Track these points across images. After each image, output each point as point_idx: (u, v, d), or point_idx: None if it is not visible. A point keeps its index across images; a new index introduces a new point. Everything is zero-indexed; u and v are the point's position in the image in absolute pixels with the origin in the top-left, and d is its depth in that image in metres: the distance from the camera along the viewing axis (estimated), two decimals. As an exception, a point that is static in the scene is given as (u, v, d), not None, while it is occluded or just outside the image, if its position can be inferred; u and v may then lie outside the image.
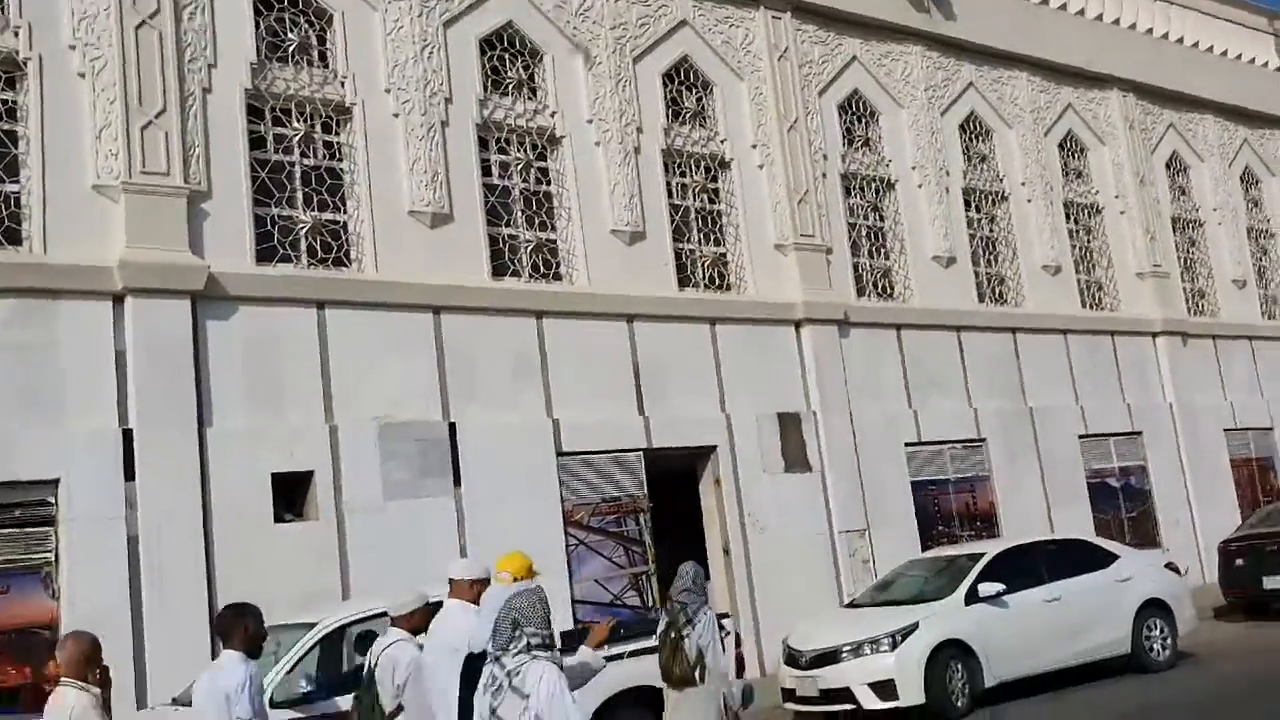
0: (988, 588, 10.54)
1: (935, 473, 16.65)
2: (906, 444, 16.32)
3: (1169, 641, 11.42)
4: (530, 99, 14.05)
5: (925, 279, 17.32)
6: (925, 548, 15.50)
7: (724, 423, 14.60)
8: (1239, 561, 14.55)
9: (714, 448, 14.49)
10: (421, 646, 6.34)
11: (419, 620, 6.45)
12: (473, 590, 6.34)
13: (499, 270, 13.36)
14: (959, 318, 17.39)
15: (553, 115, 14.10)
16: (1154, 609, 11.40)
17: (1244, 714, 9.49)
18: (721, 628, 7.20)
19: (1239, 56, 23.33)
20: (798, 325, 15.59)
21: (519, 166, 13.88)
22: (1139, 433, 19.35)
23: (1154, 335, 20.09)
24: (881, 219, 17.35)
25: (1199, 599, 15.57)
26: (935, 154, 17.75)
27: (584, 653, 5.60)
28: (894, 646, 10.06)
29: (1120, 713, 9.92)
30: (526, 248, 13.73)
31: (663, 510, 14.46)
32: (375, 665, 6.30)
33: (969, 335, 17.48)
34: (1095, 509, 18.37)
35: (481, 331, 12.83)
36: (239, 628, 5.75)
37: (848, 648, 10.18)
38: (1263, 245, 23.28)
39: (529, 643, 4.36)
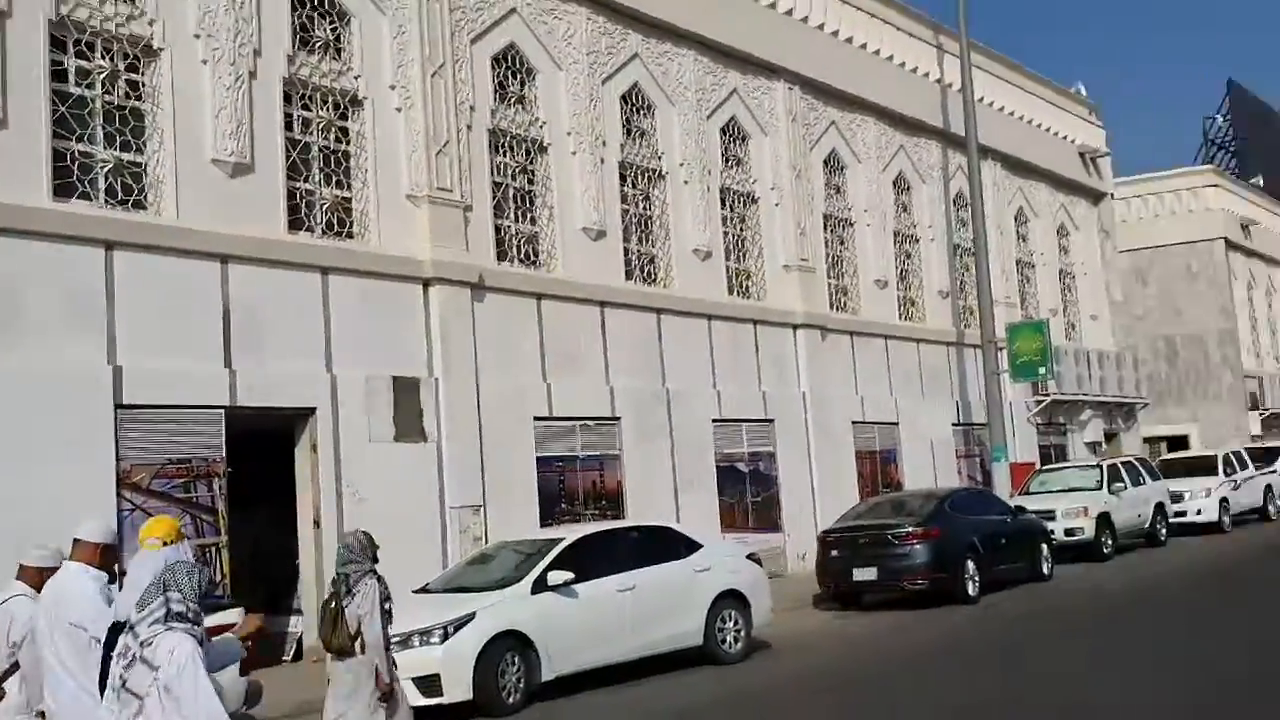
0: (557, 576, 9.98)
1: (565, 449, 16.16)
2: (536, 418, 15.71)
3: (742, 633, 11.33)
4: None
5: (573, 250, 16.75)
6: (546, 526, 14.99)
7: (329, 383, 13.40)
8: (834, 553, 14.90)
9: (313, 410, 13.27)
10: None
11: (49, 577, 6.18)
12: (98, 554, 6.13)
13: (64, 190, 11.54)
14: (604, 293, 16.97)
15: (151, 24, 12.35)
16: (730, 600, 11.27)
17: (796, 707, 9.42)
18: (386, 598, 7.07)
19: (903, 64, 24.30)
20: (426, 284, 14.60)
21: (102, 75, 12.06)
22: (771, 420, 19.73)
23: (795, 327, 20.55)
24: (531, 182, 16.61)
25: (804, 587, 16.00)
26: (593, 122, 17.18)
27: (228, 639, 5.31)
28: (445, 638, 9.31)
29: (675, 708, 9.63)
30: (103, 168, 11.96)
31: (254, 477, 13.15)
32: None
33: (613, 312, 17.09)
34: (722, 493, 18.56)
35: (35, 263, 11.04)
36: None
37: (396, 639, 9.27)
38: (907, 249, 24.45)
39: (170, 610, 4.27)
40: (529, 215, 16.49)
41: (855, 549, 14.73)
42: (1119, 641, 11.20)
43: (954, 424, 24.56)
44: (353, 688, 6.90)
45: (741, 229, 20.32)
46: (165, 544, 5.18)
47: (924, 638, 12.66)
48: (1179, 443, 36.81)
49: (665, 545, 11.19)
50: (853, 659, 11.47)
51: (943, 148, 25.34)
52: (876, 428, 22.33)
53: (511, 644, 9.53)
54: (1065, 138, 30.49)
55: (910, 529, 14.49)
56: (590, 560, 10.44)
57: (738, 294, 19.93)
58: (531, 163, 16.62)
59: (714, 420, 18.60)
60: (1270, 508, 25.07)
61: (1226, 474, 23.73)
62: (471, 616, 9.40)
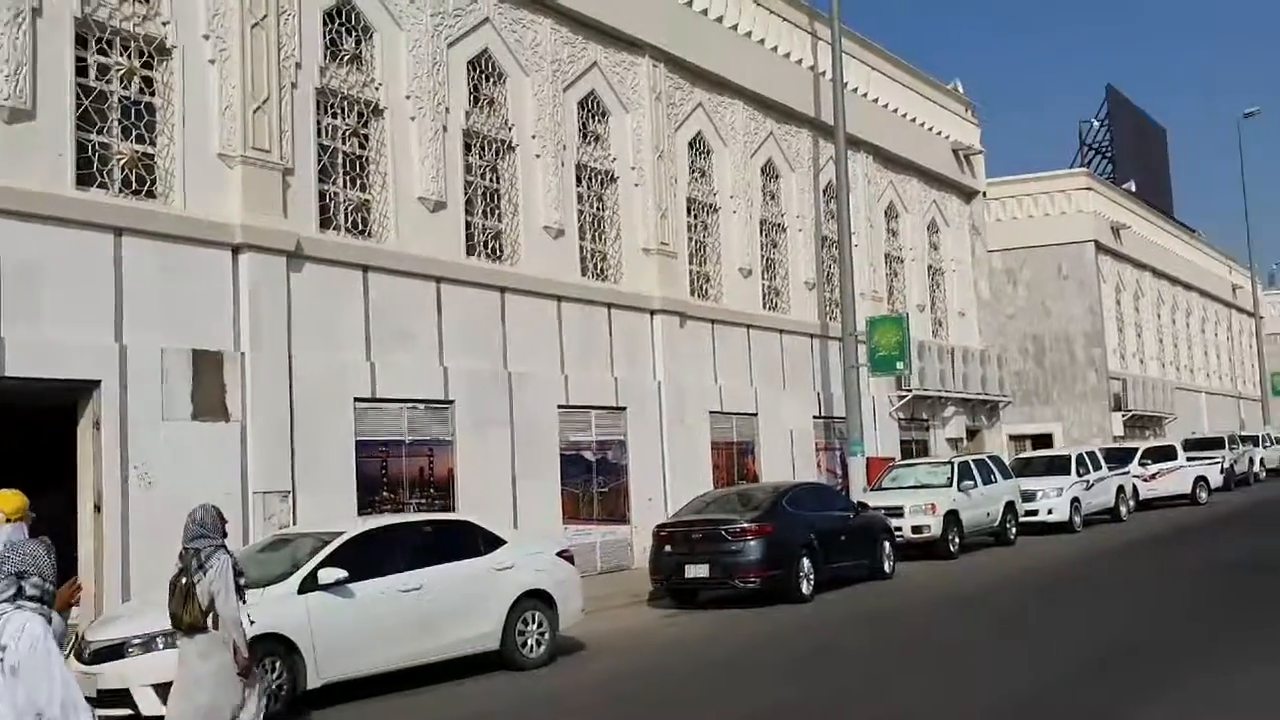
0: (329, 574, 9.09)
1: (389, 433, 15.21)
2: (358, 399, 14.72)
3: (546, 636, 10.59)
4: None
5: (407, 221, 15.77)
6: (365, 514, 14.04)
7: (117, 354, 12.23)
8: (668, 548, 14.30)
9: (98, 383, 12.09)
10: None
11: None
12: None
13: None
14: (441, 268, 16.03)
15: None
16: (534, 601, 10.51)
17: (578, 715, 8.72)
18: (240, 573, 7.10)
19: (776, 49, 23.80)
20: (236, 250, 13.50)
21: None
22: (623, 408, 19.05)
23: (652, 313, 19.90)
24: (363, 147, 15.57)
25: (645, 583, 15.32)
26: (436, 86, 16.21)
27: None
28: (190, 642, 8.33)
29: (449, 717, 8.85)
30: None
31: (27, 455, 11.94)
32: None
33: (450, 288, 16.18)
34: (567, 482, 17.82)
35: None
36: None
37: (137, 641, 8.37)
38: (773, 238, 23.99)
39: (20, 590, 4.10)
40: (360, 182, 15.46)
41: (689, 545, 14.14)
42: (937, 644, 10.78)
43: (815, 416, 24.24)
44: (204, 665, 6.89)
45: (599, 208, 19.55)
46: (8, 520, 5.12)
47: (745, 638, 12.10)
48: (1044, 441, 37.35)
49: (462, 541, 10.36)
50: (662, 662, 10.83)
51: (814, 137, 24.94)
52: (735, 418, 21.84)
53: (271, 648, 8.61)
54: (940, 134, 30.44)
55: (744, 525, 13.95)
56: (373, 557, 9.58)
57: (592, 275, 19.17)
58: (365, 126, 15.59)
59: (560, 406, 17.83)
60: (1122, 508, 25.36)
61: (1079, 474, 23.87)
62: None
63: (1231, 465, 34.02)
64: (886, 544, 16.66)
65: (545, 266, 17.90)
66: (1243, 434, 39.84)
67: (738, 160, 22.68)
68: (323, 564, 9.16)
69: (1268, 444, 40.34)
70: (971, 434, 30.83)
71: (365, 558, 9.48)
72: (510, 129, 17.62)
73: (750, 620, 13.21)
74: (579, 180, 19.00)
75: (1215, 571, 14.94)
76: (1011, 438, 37.65)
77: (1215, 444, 35.57)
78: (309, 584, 9.04)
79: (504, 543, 10.63)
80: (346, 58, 15.36)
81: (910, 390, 26.76)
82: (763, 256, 23.50)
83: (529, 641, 10.49)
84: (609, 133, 19.72)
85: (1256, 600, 12.21)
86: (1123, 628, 11.00)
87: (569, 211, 18.49)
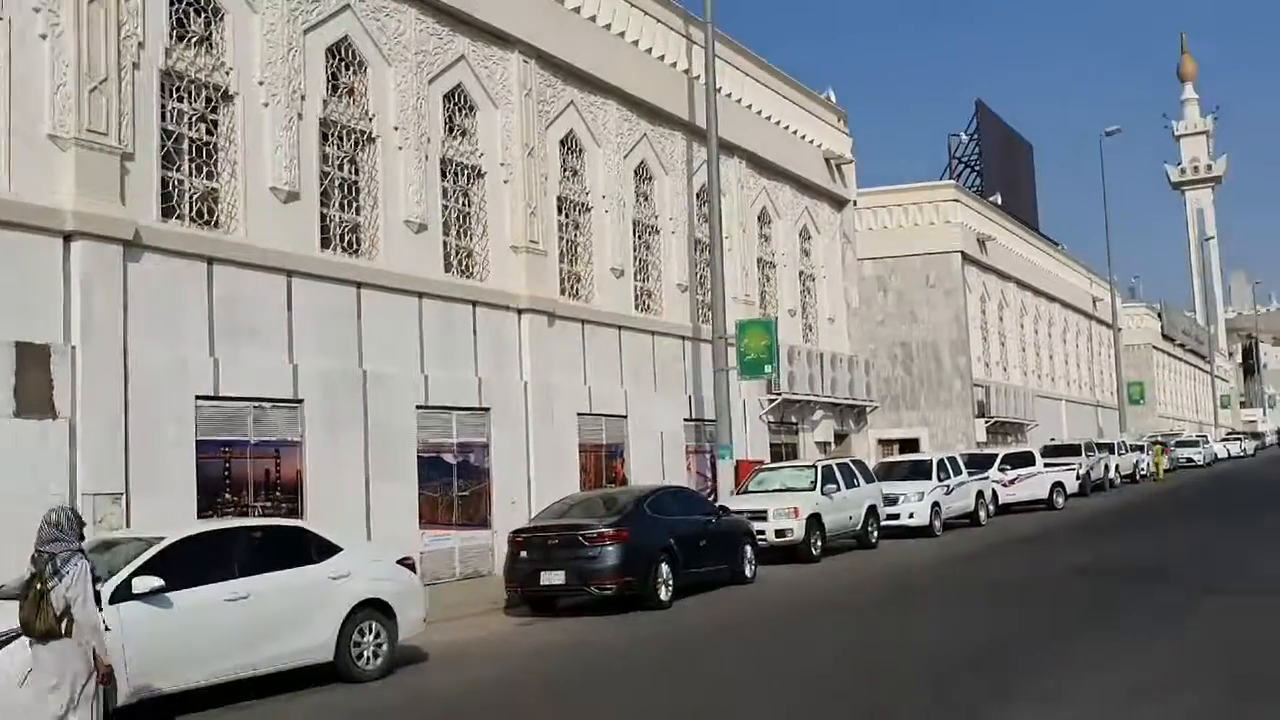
0: (144, 582, 8.52)
1: (233, 433, 14.51)
2: (199, 397, 14.00)
3: (384, 648, 10.17)
4: None
5: (259, 212, 15.10)
6: (205, 517, 13.36)
7: (-74, 347, 11.35)
8: (523, 554, 13.97)
9: (-98, 377, 11.20)
10: None
11: None
12: None
13: None
14: (293, 261, 15.39)
15: None
16: (371, 611, 10.07)
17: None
18: (96, 579, 6.88)
19: (650, 50, 23.68)
20: (67, 238, 12.69)
21: None
22: (487, 409, 18.64)
23: (520, 311, 19.53)
24: (211, 134, 14.85)
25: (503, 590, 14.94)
26: (292, 73, 15.57)
27: None
28: (-20, 657, 7.71)
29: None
30: None
31: None
32: None
33: (303, 283, 15.55)
34: (425, 486, 17.33)
35: None
36: None
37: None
38: (646, 240, 23.87)
39: None
40: (207, 170, 14.73)
41: (545, 551, 13.83)
42: (788, 651, 10.70)
43: (686, 419, 24.19)
44: (59, 673, 6.72)
45: (465, 204, 19.10)
46: None
47: (597, 647, 11.86)
48: (911, 445, 38.16)
49: (294, 548, 9.85)
50: (502, 674, 10.49)
51: (688, 140, 24.90)
52: (604, 420, 21.61)
53: (76, 662, 7.98)
54: (813, 142, 30.77)
55: (600, 530, 13.70)
56: (196, 564, 9.03)
57: (457, 272, 18.71)
58: (214, 112, 14.86)
59: (420, 407, 17.33)
60: (981, 513, 25.95)
61: (940, 478, 24.34)
62: (13, 635, 7.75)
63: (1088, 471, 35.29)
64: (748, 548, 16.63)
65: (406, 262, 17.39)
66: (1099, 441, 41.34)
67: (611, 160, 22.47)
68: (137, 572, 8.57)
69: (1122, 451, 41.95)
70: (840, 438, 31.25)
71: (187, 565, 8.92)
72: (371, 119, 17.06)
73: (604, 628, 12.96)
74: (445, 175, 18.53)
75: (1062, 576, 15.29)
76: (880, 442, 38.42)
77: (1073, 451, 36.86)
78: (122, 593, 8.45)
79: (339, 550, 10.15)
80: (195, 39, 14.62)
81: (780, 394, 26.96)
82: (635, 258, 23.35)
83: (365, 653, 10.04)
84: (477, 127, 19.29)
85: (1098, 603, 12.48)
86: (968, 633, 11.10)
87: (433, 206, 18.01)
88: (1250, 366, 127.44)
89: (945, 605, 13.41)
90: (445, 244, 18.43)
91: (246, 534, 9.91)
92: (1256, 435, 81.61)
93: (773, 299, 28.84)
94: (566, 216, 21.48)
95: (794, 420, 28.63)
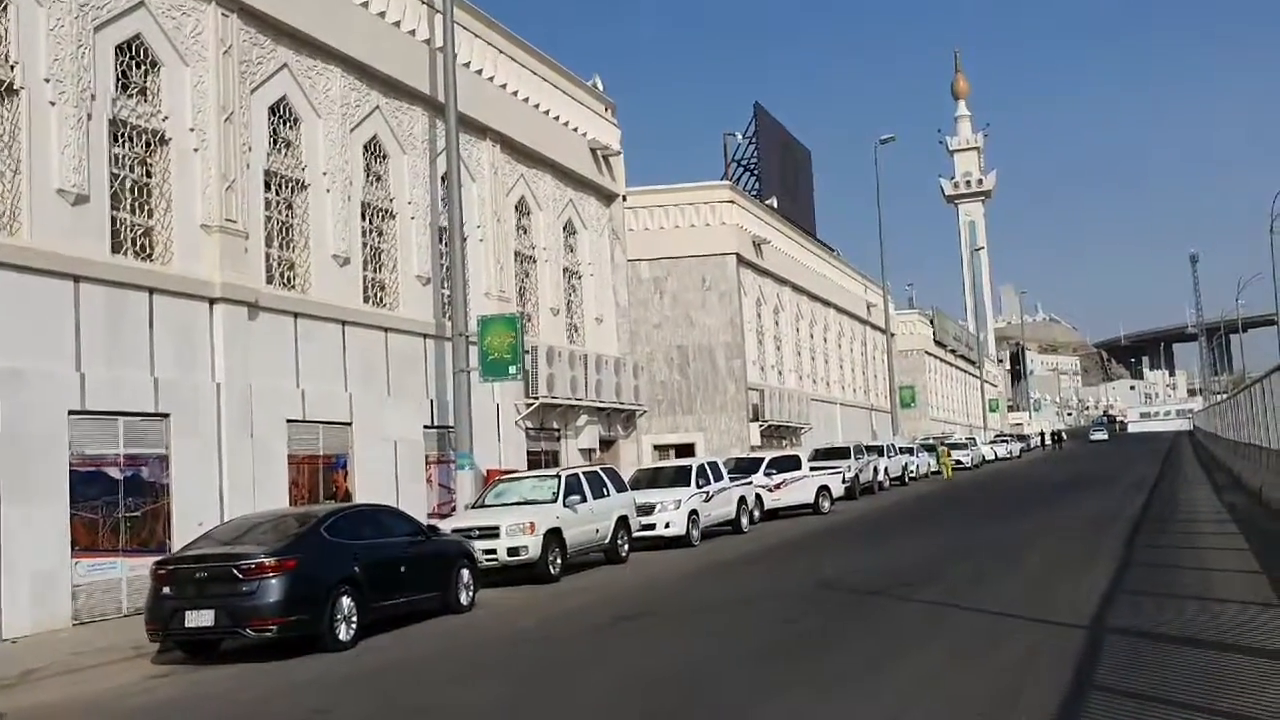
0: None
1: None
2: None
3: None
4: None
5: None
6: None
7: None
8: (166, 590, 11.43)
9: None
10: None
11: None
12: None
13: None
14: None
15: None
16: None
17: None
18: None
19: (383, 15, 21.32)
20: None
21: None
22: (166, 415, 15.89)
23: (212, 301, 16.85)
24: None
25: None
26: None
27: None
28: None
29: None
30: None
31: None
32: None
33: (-97, 258, 12.52)
34: (80, 505, 14.48)
35: None
36: None
37: None
38: (379, 225, 21.48)
39: None
40: None
41: (194, 585, 11.33)
42: (462, 689, 8.69)
43: (428, 426, 21.93)
44: None
45: (144, 174, 16.30)
46: None
47: (232, 706, 9.50)
48: (686, 450, 37.00)
49: None
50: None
51: (431, 117, 22.66)
52: (322, 428, 19.10)
53: None
54: (578, 131, 29.03)
55: (260, 560, 11.31)
56: None
57: (131, 254, 15.91)
58: None
59: (73, 412, 14.48)
60: (743, 519, 24.72)
61: (699, 485, 22.94)
62: None
63: (856, 475, 34.95)
64: (465, 572, 14.55)
65: (58, 240, 14.52)
66: (869, 444, 41.36)
67: (334, 134, 19.98)
68: None
69: (891, 454, 42.14)
70: (607, 444, 29.62)
71: None
72: (12, 67, 14.12)
73: (259, 679, 10.60)
74: (116, 139, 15.71)
75: (802, 592, 13.90)
76: (656, 447, 37.11)
77: (842, 454, 36.56)
78: None
79: None
80: None
81: (538, 397, 25.03)
82: (365, 244, 20.93)
83: None
84: (160, 87, 16.51)
85: (832, 616, 11.05)
86: (661, 667, 9.38)
87: (96, 174, 15.17)
88: (1018, 372, 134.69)
89: (658, 633, 11.73)
90: (114, 220, 15.63)
91: None
92: (1022, 438, 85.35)
93: (533, 296, 26.92)
94: (277, 194, 18.88)
95: (555, 426, 26.77)
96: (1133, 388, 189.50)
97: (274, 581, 11.22)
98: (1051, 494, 30.32)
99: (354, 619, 11.96)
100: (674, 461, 27.17)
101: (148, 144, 16.31)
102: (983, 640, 9.74)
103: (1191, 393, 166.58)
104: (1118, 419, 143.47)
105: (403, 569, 13.12)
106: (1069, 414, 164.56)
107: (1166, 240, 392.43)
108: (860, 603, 12.68)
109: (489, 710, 8.55)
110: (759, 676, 8.87)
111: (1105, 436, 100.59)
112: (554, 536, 17.40)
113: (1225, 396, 42.37)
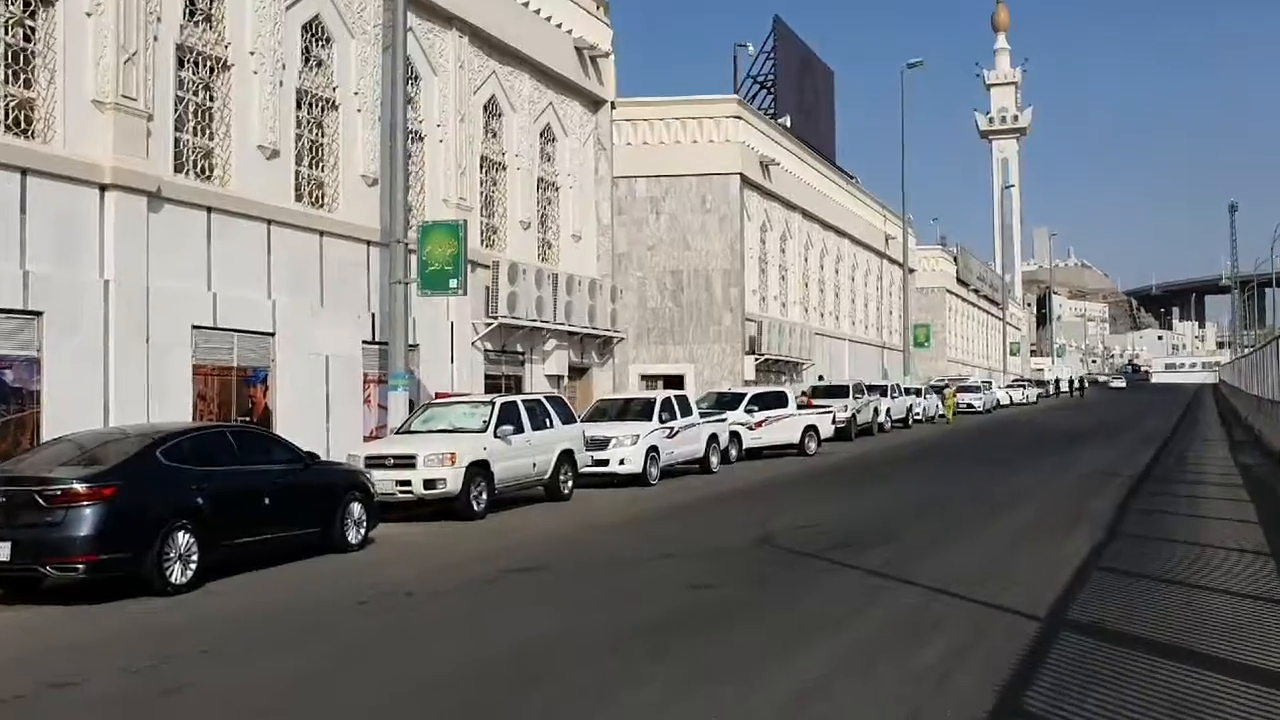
0: None
1: None
2: None
3: None
4: None
5: None
6: None
7: None
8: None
9: None
10: None
11: None
12: None
13: None
14: None
15: None
16: None
17: None
18: None
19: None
20: None
21: None
22: (39, 313, 14.08)
23: (103, 188, 14.94)
24: None
25: None
26: None
27: None
28: None
29: None
30: None
31: None
32: None
33: None
34: (-76, 411, 12.77)
35: None
36: None
37: None
38: (318, 116, 19.42)
39: None
40: None
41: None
42: (241, 675, 6.95)
43: (367, 342, 20.09)
44: None
45: (23, 40, 14.29)
46: None
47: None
48: (675, 382, 35.06)
49: None
50: None
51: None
52: (238, 337, 17.28)
53: None
54: (561, 27, 26.69)
55: (69, 486, 9.55)
56: None
57: (3, 128, 13.97)
58: None
59: (-84, 305, 12.71)
60: (713, 459, 22.87)
61: (662, 420, 21.07)
62: None
63: (853, 415, 33.05)
64: (356, 506, 12.80)
65: (-97, 105, 12.60)
66: (870, 384, 39.36)
67: (264, 10, 17.85)
68: None
69: (896, 394, 40.15)
70: (579, 372, 27.80)
71: None
72: None
73: (34, 631, 8.89)
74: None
75: (737, 550, 12.08)
76: (644, 377, 35.24)
77: (841, 392, 34.64)
78: None
79: None
80: None
81: (497, 317, 23.14)
82: (300, 136, 18.90)
83: None
84: (44, -62, 14.43)
85: (752, 582, 9.23)
86: (539, 642, 7.59)
87: (-46, 33, 13.20)
88: (1044, 316, 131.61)
89: (542, 594, 9.96)
90: (-21, 87, 13.66)
91: None
92: (1041, 383, 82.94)
93: (500, 207, 24.87)
94: (194, 73, 16.84)
95: (520, 350, 24.90)
96: (1160, 338, 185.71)
97: (86, 512, 9.47)
98: (1056, 444, 28.38)
99: (193, 558, 10.22)
100: (640, 394, 25.29)
101: (27, 3, 14.29)
102: (904, 631, 7.87)
103: (1220, 345, 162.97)
104: (1142, 368, 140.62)
105: (267, 501, 11.35)
106: (1093, 361, 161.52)
107: (1205, 191, 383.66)
108: (791, 566, 10.85)
109: (256, 696, 6.77)
110: (615, 667, 7.05)
111: (1124, 384, 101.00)
112: (479, 469, 15.62)
113: (1251, 350, 39.98)
